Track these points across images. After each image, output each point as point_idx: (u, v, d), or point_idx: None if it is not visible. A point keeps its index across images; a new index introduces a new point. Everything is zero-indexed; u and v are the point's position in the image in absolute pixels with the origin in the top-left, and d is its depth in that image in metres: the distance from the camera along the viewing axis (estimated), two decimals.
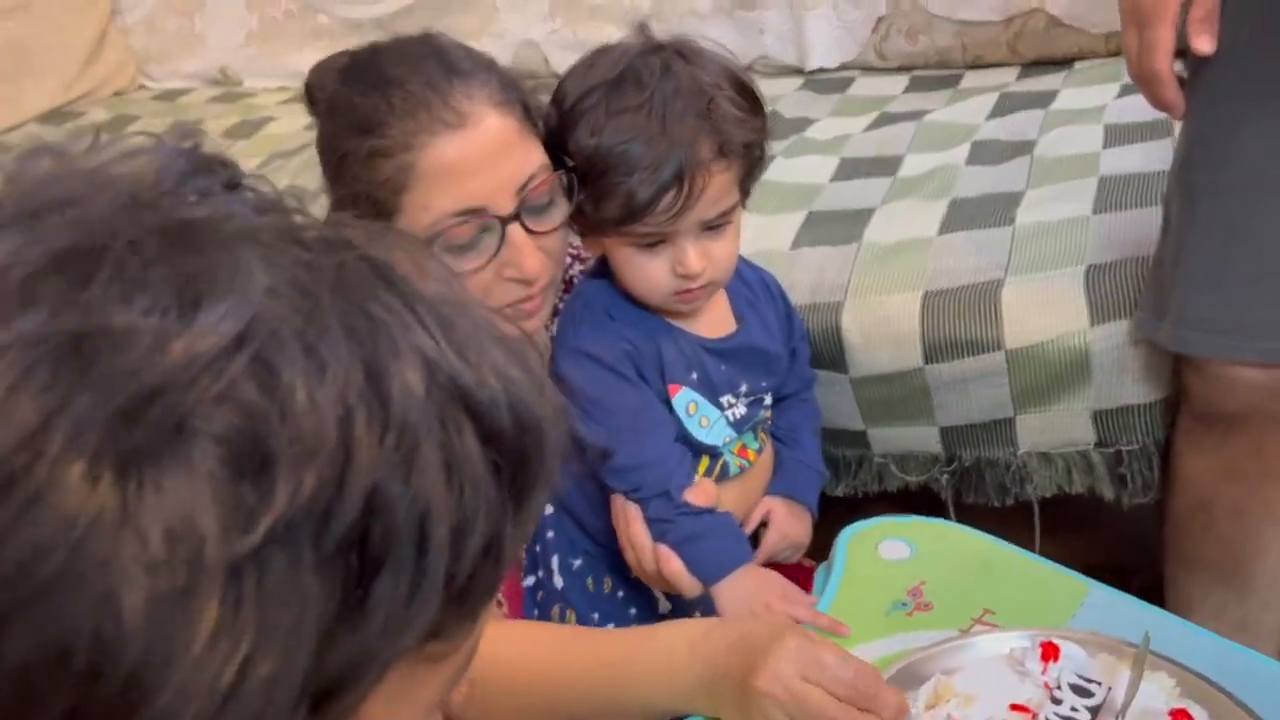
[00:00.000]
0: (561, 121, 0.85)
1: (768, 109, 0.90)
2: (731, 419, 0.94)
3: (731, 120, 0.83)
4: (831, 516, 1.24)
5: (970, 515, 1.25)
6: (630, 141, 0.81)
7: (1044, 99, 1.54)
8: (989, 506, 1.21)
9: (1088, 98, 1.51)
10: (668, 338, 0.91)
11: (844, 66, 1.83)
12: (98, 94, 2.29)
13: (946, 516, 1.25)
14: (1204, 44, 0.89)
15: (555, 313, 0.95)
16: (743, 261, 1.02)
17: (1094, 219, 1.19)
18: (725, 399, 0.94)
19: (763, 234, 1.31)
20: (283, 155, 1.78)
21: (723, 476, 0.96)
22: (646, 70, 0.82)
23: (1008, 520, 1.23)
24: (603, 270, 0.92)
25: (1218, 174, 0.92)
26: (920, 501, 1.26)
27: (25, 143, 0.35)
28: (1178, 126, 1.37)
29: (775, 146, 1.55)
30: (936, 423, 1.19)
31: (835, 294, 1.18)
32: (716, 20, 1.88)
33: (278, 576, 0.29)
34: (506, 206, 0.82)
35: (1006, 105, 1.56)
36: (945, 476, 1.22)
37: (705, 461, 0.95)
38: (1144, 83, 0.93)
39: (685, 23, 1.91)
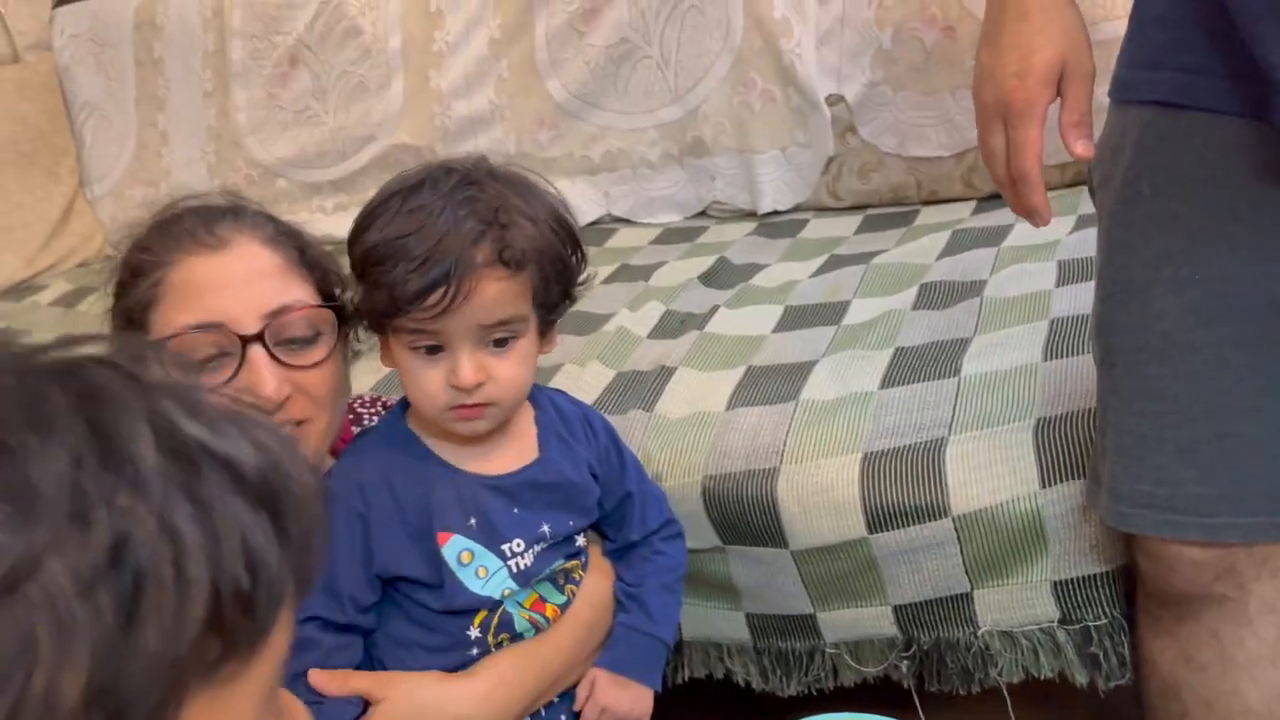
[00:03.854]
0: (358, 225, 0.84)
1: (587, 250, 0.88)
2: (515, 569, 0.85)
3: (517, 231, 0.80)
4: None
5: (938, 705, 1.13)
6: (408, 236, 0.79)
7: (997, 235, 1.48)
8: (956, 694, 1.09)
9: (1042, 232, 1.44)
10: (444, 481, 0.85)
11: (797, 208, 1.79)
12: (62, 266, 2.28)
13: (911, 708, 1.13)
14: (1081, 148, 0.84)
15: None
16: (565, 398, 0.95)
17: (1044, 366, 1.11)
18: (512, 544, 0.86)
19: (700, 394, 1.23)
20: None
21: (504, 629, 0.86)
22: (446, 178, 0.82)
23: (980, 708, 1.11)
24: (405, 405, 0.89)
25: (1135, 337, 0.84)
26: (882, 693, 1.14)
27: None
28: None
29: (719, 296, 1.50)
30: (889, 600, 1.08)
31: (770, 459, 1.10)
32: (668, 168, 1.86)
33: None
34: (249, 327, 0.80)
35: (958, 243, 1.50)
36: (905, 663, 1.10)
37: (483, 614, 0.86)
38: (1009, 187, 0.87)
39: (638, 172, 1.88)
